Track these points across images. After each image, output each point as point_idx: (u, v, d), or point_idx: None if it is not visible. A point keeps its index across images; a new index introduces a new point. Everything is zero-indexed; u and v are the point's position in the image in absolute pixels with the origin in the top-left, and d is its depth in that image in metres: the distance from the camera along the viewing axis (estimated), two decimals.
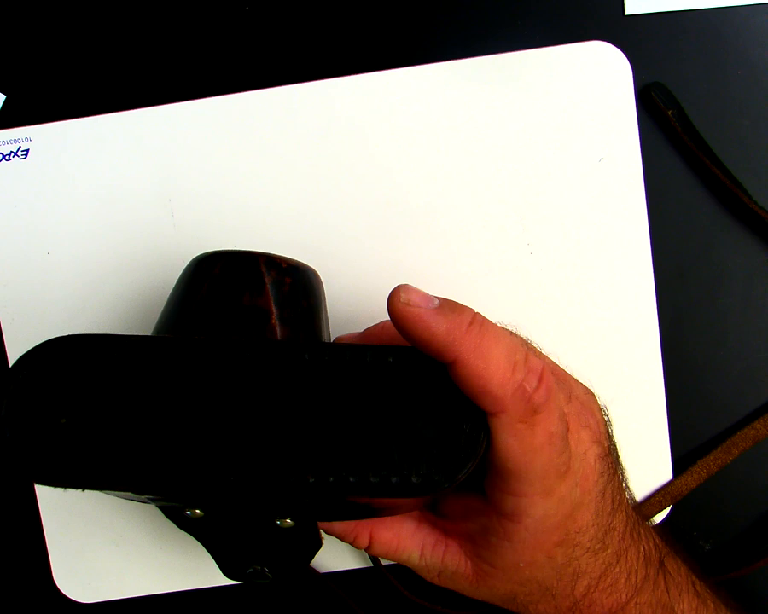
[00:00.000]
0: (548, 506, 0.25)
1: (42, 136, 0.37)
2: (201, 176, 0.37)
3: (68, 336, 0.23)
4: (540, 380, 0.24)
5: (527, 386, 0.23)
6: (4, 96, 0.37)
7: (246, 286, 0.26)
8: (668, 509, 0.35)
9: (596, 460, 0.27)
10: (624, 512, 0.28)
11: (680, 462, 0.35)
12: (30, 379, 0.23)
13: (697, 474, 0.34)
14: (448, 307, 0.24)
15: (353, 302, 0.36)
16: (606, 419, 0.29)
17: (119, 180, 0.37)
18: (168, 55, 0.37)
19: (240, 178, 0.36)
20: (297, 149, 0.36)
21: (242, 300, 0.26)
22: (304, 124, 0.36)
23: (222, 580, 0.35)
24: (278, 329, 0.26)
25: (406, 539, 0.29)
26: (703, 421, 0.36)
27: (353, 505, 0.25)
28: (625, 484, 0.29)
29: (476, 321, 0.24)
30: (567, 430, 0.26)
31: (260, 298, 0.26)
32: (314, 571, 0.35)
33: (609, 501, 0.27)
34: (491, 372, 0.23)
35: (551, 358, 0.30)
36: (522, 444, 0.24)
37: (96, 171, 0.37)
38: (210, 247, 0.36)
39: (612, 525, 0.27)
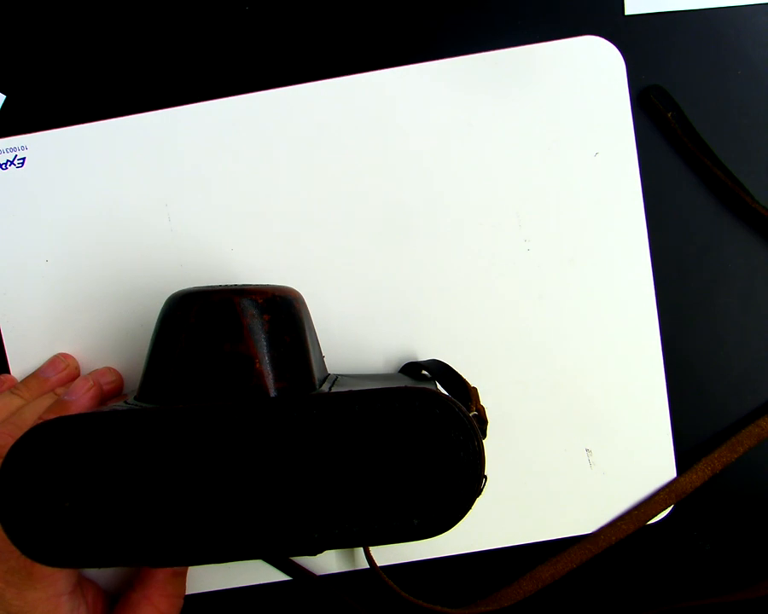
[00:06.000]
0: None
1: (38, 144, 0.36)
2: (197, 181, 0.36)
3: (56, 419, 0.23)
4: None
5: None
6: (4, 96, 0.36)
7: (224, 333, 0.26)
8: (669, 508, 0.35)
9: None
10: None
11: (683, 461, 0.35)
12: (25, 469, 0.23)
13: (702, 472, 0.34)
14: None
15: (345, 302, 0.36)
16: None
17: (116, 186, 0.36)
18: (166, 57, 0.37)
19: (236, 182, 0.36)
20: (295, 151, 0.36)
21: (223, 348, 0.25)
22: (302, 125, 0.36)
23: (228, 582, 0.36)
24: (264, 374, 0.25)
25: None
26: (705, 420, 0.36)
27: None
28: None
29: None
30: None
31: (241, 343, 0.25)
32: (311, 574, 0.36)
33: None
34: None
35: None
36: None
37: (93, 178, 0.36)
38: (206, 250, 0.36)
39: None
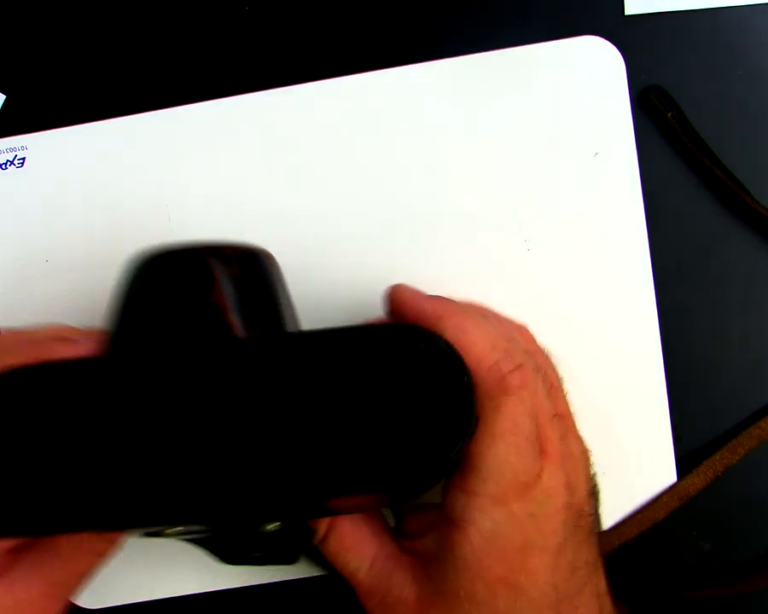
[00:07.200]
0: (497, 520, 0.23)
1: (38, 144, 0.36)
2: (197, 180, 0.36)
3: (16, 370, 0.22)
4: (518, 368, 0.24)
5: (502, 366, 0.24)
6: (4, 96, 0.37)
7: (194, 284, 0.24)
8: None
9: (562, 508, 0.24)
10: (591, 600, 0.25)
11: (684, 463, 0.35)
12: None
13: (703, 474, 0.34)
14: (437, 296, 0.26)
15: (345, 305, 0.36)
16: (593, 486, 0.27)
17: (116, 186, 0.36)
18: (166, 57, 0.37)
19: (236, 182, 0.36)
20: (295, 151, 0.36)
21: (193, 301, 0.24)
22: (302, 126, 0.36)
23: (231, 582, 0.35)
24: (234, 324, 0.24)
25: (363, 540, 0.27)
26: (706, 421, 0.36)
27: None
28: (604, 575, 0.26)
29: (461, 308, 0.25)
30: (539, 443, 0.24)
31: (211, 295, 0.24)
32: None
33: (569, 565, 0.24)
34: (470, 346, 0.23)
35: (568, 403, 0.30)
36: (484, 424, 0.23)
37: (93, 178, 0.36)
38: None
39: (569, 595, 0.24)
